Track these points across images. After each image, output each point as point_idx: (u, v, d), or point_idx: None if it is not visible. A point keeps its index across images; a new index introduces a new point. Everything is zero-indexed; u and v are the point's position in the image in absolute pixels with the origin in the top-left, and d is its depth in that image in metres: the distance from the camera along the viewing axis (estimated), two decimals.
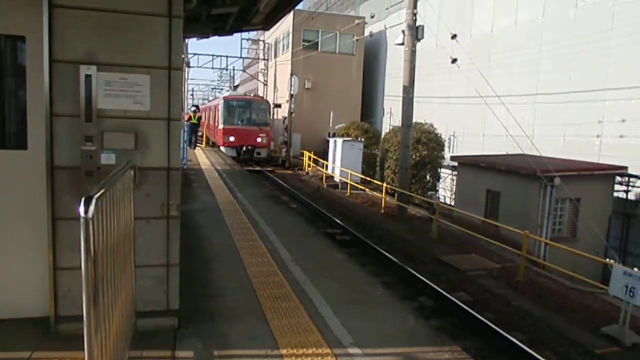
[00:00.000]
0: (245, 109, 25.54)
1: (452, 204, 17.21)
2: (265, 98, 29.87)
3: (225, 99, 25.87)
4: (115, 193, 2.43)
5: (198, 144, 26.93)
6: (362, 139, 21.77)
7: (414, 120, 16.32)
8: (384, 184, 16.46)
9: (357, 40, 29.14)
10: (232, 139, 24.27)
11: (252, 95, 28.67)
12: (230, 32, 10.19)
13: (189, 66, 30.39)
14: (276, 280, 5.05)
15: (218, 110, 25.82)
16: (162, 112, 3.46)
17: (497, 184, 13.96)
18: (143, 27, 3.37)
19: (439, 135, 19.58)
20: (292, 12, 25.70)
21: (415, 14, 14.84)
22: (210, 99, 58.84)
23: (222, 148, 24.89)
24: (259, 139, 24.79)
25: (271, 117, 26.45)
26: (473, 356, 4.04)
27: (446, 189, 20.21)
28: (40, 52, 3.21)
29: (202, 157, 20.76)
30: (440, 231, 12.63)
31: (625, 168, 13.67)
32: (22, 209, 3.45)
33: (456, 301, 7.45)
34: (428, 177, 19.26)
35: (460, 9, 22.32)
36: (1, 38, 3.37)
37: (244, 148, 24.44)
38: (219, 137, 25.40)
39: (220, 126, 24.77)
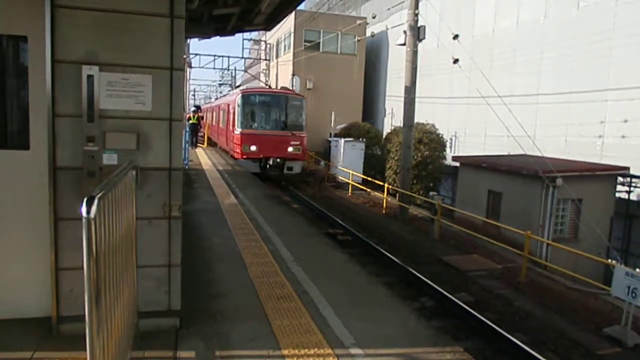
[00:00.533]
0: (271, 107, 18.99)
1: (453, 204, 17.19)
2: (299, 92, 21.16)
3: (244, 93, 19.06)
4: (117, 193, 2.43)
5: (199, 144, 26.74)
6: (364, 140, 21.74)
7: (415, 121, 16.32)
8: (386, 184, 16.45)
9: (358, 40, 29.16)
10: (253, 148, 17.86)
11: (279, 87, 21.54)
12: (232, 33, 10.19)
13: (190, 66, 30.17)
14: (278, 281, 5.05)
15: (233, 109, 19.26)
16: (164, 112, 3.46)
17: (499, 185, 13.94)
18: (145, 27, 3.37)
19: (440, 135, 19.56)
20: (293, 13, 25.70)
21: (416, 15, 14.85)
22: (216, 96, 52.60)
23: (239, 160, 18.56)
24: (290, 149, 18.28)
25: (306, 117, 19.49)
26: (475, 357, 4.03)
27: (448, 190, 20.19)
28: (43, 52, 3.21)
29: (203, 157, 20.73)
30: (442, 231, 12.61)
31: (627, 169, 13.64)
32: (24, 209, 3.45)
33: (458, 302, 7.45)
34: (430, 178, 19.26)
35: (461, 9, 22.30)
36: (3, 38, 3.38)
37: (271, 161, 18.26)
38: (234, 145, 18.98)
39: (237, 131, 18.32)
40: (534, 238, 10.39)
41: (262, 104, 18.92)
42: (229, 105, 20.77)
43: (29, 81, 3.37)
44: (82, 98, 3.26)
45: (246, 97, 18.74)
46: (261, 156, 18.07)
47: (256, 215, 8.61)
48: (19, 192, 3.44)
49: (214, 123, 26.37)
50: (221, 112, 24.03)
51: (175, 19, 3.41)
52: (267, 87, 22.21)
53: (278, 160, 18.29)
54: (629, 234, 14.34)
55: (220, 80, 54.92)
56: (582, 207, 12.60)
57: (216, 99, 43.24)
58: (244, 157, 18.02)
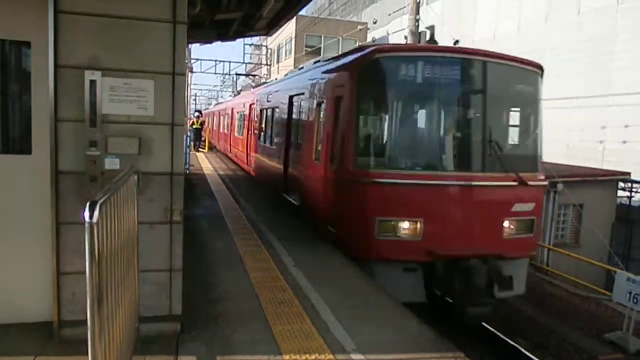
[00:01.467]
0: (459, 100, 6.80)
1: None
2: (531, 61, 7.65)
3: (380, 55, 6.41)
4: (119, 198, 2.44)
5: (201, 149, 26.71)
6: None
7: None
8: None
9: (359, 45, 29.26)
10: (405, 228, 6.05)
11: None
12: (233, 38, 10.23)
13: (192, 71, 30.13)
14: (279, 285, 5.05)
15: (341, 104, 6.72)
16: (165, 117, 3.48)
17: None
18: (147, 32, 3.39)
19: None
20: (294, 18, 25.80)
21: (417, 20, 14.89)
22: (233, 90, 37.04)
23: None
24: (508, 225, 6.35)
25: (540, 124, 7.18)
26: None
27: None
28: (46, 57, 3.23)
29: (204, 162, 20.73)
30: None
31: (629, 174, 13.63)
32: (26, 214, 3.46)
33: None
34: None
35: (462, 14, 22.38)
36: (6, 43, 3.40)
37: (464, 268, 5.98)
38: (346, 214, 6.69)
39: (359, 171, 6.30)
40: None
41: (433, 90, 6.77)
42: (295, 98, 9.49)
43: (32, 86, 3.39)
44: (84, 103, 3.28)
45: (388, 63, 6.56)
46: (427, 252, 6.17)
47: (257, 220, 8.60)
48: (21, 196, 3.45)
49: (237, 134, 15.37)
50: (263, 116, 12.58)
51: (177, 25, 3.43)
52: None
53: (480, 262, 6.12)
54: (630, 239, 14.31)
55: (221, 85, 52.26)
56: (584, 212, 12.59)
57: (238, 93, 28.43)
58: (379, 252, 6.29)
